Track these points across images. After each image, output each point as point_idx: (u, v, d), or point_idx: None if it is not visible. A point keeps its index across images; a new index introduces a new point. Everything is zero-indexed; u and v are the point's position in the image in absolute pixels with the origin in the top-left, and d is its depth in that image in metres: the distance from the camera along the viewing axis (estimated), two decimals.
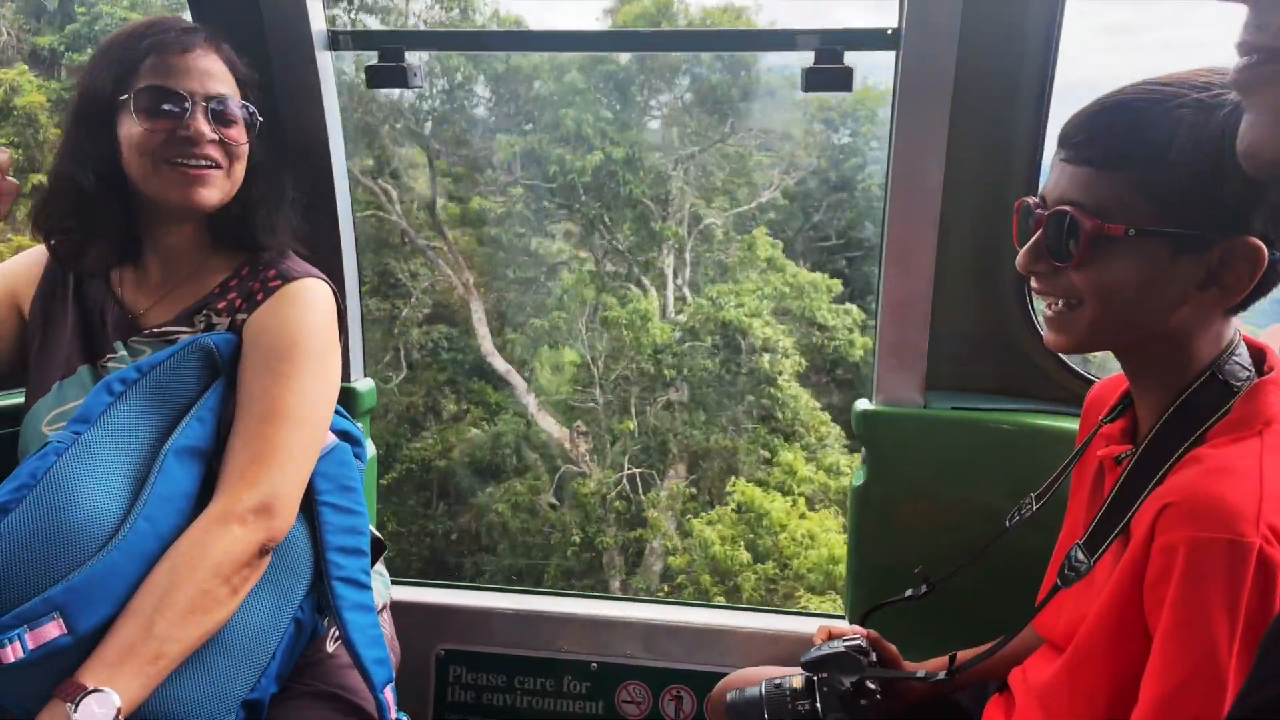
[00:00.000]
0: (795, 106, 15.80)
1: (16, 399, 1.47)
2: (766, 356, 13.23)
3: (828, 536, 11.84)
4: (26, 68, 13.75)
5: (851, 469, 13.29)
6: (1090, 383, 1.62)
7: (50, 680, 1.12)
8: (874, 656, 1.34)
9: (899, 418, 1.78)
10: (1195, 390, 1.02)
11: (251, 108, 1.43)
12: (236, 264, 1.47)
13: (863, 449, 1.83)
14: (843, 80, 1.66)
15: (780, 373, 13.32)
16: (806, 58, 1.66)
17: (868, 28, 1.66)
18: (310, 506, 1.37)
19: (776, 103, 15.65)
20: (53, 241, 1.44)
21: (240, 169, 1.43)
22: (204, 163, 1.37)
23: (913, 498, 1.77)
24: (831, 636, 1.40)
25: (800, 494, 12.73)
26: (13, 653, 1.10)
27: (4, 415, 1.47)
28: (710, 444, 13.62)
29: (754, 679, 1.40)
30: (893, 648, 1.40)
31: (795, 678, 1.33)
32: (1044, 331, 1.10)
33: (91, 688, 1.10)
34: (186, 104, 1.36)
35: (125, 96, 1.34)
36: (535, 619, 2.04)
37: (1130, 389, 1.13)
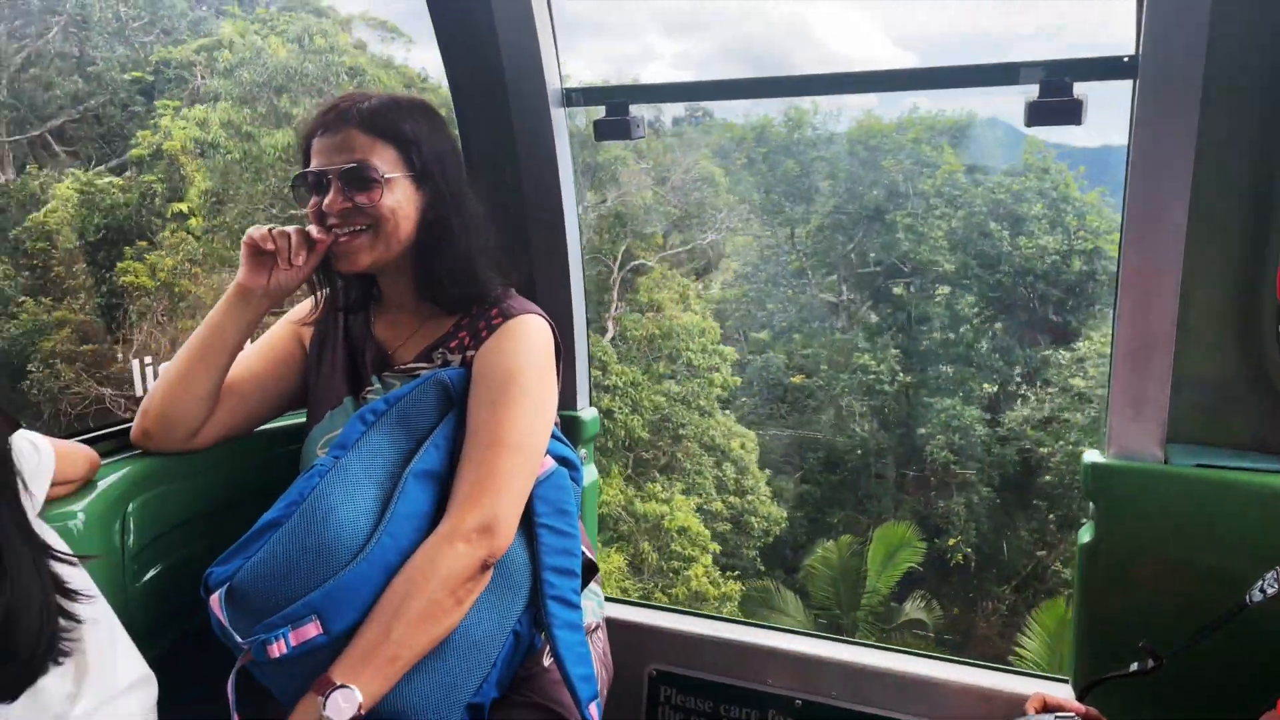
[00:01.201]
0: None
1: (301, 418, 1.68)
2: None
3: None
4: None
5: (664, 494, 13.17)
6: None
7: (308, 675, 1.26)
8: None
9: (1134, 473, 1.60)
10: None
11: (380, 171, 1.46)
12: (468, 305, 1.58)
13: (1090, 504, 1.67)
14: (1071, 113, 1.54)
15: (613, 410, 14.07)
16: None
17: (1100, 57, 1.52)
18: (530, 527, 1.45)
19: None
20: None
21: (393, 226, 1.49)
22: (348, 229, 1.50)
23: (1148, 561, 1.58)
24: (1046, 707, 1.28)
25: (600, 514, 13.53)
26: (278, 649, 1.25)
27: (293, 432, 1.67)
28: None
29: None
30: None
31: None
32: None
33: (339, 683, 1.23)
34: (325, 180, 1.49)
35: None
36: (743, 649, 2.03)
37: None
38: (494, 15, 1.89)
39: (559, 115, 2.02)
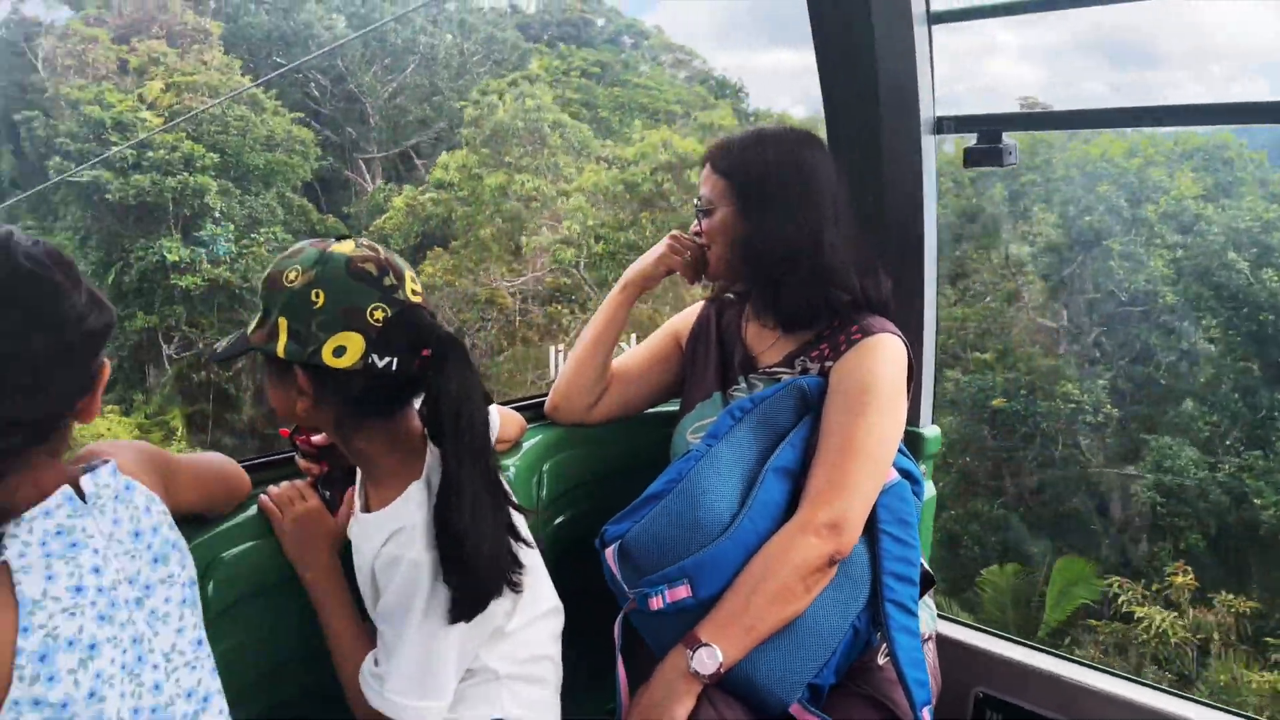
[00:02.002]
0: None
1: (673, 408, 1.88)
2: None
3: None
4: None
5: None
6: None
7: (676, 629, 1.44)
8: None
9: None
10: None
11: (703, 203, 1.71)
12: (829, 320, 1.68)
13: None
14: None
15: None
16: None
17: None
18: (872, 532, 1.52)
19: None
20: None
21: (712, 250, 1.71)
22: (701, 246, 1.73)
23: None
24: None
25: None
26: (657, 603, 1.43)
27: (666, 418, 1.88)
28: None
29: None
30: None
31: None
32: None
33: (704, 642, 1.39)
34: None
35: None
36: (1077, 689, 1.93)
37: None
38: (875, 42, 1.96)
39: (929, 142, 2.05)
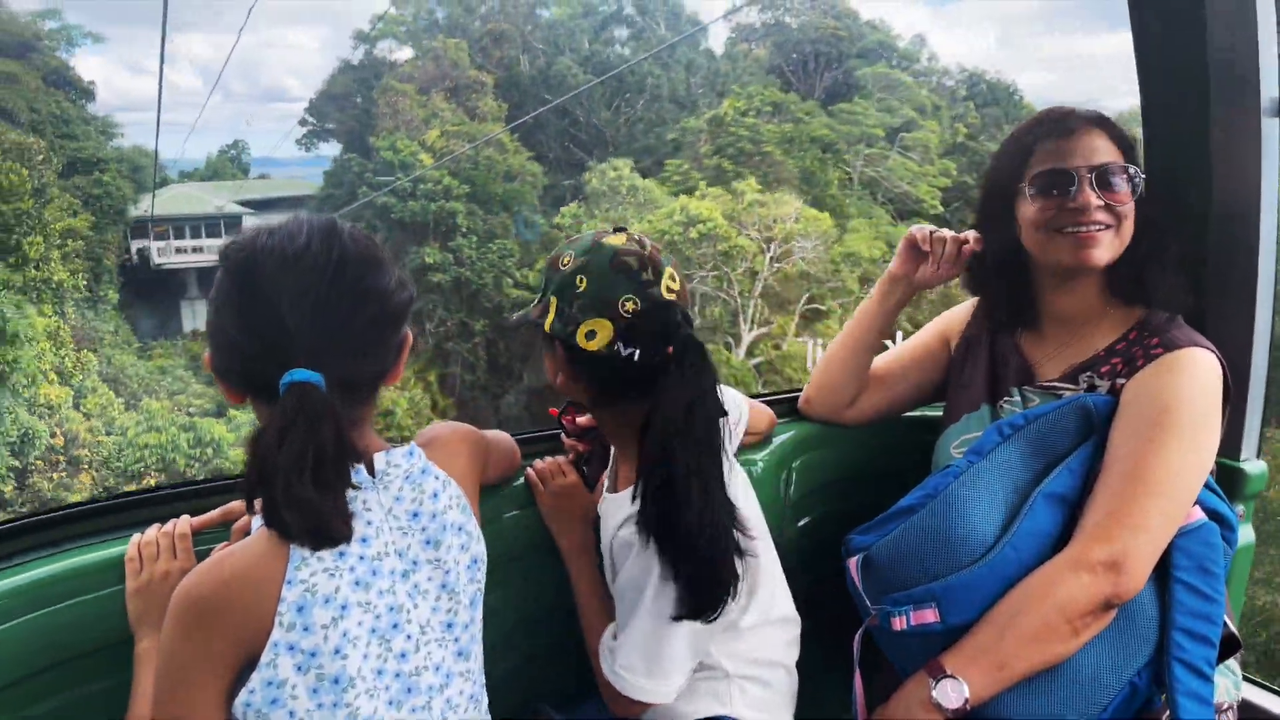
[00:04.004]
0: None
1: (937, 412, 1.72)
2: None
3: None
4: None
5: None
6: None
7: (919, 653, 1.32)
8: None
9: None
10: None
11: (1134, 171, 1.44)
12: (1124, 329, 1.46)
13: None
14: None
15: None
16: None
17: None
18: (1164, 578, 1.30)
19: None
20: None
21: (1127, 227, 1.45)
22: (1091, 227, 1.42)
23: None
24: None
25: None
26: (900, 623, 1.32)
27: (928, 424, 1.74)
28: None
29: None
30: None
31: None
32: None
33: (949, 673, 1.26)
34: (1073, 179, 1.42)
35: (1021, 184, 1.47)
36: None
37: None
38: (1205, 9, 1.65)
39: (1270, 127, 1.69)
